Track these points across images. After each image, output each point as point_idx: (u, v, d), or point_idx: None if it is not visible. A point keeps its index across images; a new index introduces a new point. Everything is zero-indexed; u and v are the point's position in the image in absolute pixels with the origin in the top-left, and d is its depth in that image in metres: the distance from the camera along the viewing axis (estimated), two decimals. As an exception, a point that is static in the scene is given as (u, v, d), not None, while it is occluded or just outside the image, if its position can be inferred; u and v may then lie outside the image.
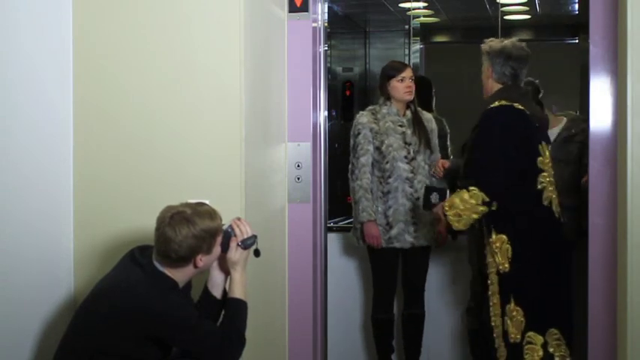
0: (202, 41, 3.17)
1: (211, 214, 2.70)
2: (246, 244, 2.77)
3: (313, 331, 3.65)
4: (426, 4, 6.45)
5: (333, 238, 4.34)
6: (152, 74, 3.21)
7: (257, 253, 2.84)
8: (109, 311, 2.62)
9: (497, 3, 6.07)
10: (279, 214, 3.57)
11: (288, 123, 3.62)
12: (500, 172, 3.34)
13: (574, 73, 5.49)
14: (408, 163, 4.05)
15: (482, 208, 3.28)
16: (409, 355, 4.29)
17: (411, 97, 4.11)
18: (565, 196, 3.65)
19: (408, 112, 4.14)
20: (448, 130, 4.60)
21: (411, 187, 4.05)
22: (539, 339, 3.32)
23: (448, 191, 3.54)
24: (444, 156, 4.37)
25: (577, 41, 6.41)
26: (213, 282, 2.86)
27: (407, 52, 6.81)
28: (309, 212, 3.62)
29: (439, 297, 4.45)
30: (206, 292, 2.86)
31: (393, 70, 4.13)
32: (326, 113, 3.76)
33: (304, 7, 3.58)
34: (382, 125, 4.07)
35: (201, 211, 2.69)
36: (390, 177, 4.04)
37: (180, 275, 2.71)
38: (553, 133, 4.04)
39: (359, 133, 4.08)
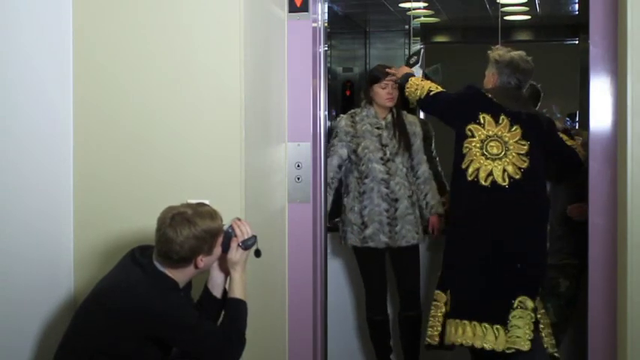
0: (202, 41, 3.17)
1: (212, 214, 2.71)
2: (246, 245, 2.78)
3: (313, 331, 3.65)
4: (426, 4, 6.45)
5: (333, 238, 4.34)
6: (152, 74, 3.21)
7: (258, 253, 2.84)
8: (109, 311, 2.62)
9: (497, 3, 6.07)
10: (279, 214, 3.57)
11: (288, 123, 3.62)
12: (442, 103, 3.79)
13: (574, 74, 5.50)
14: (383, 164, 4.12)
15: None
16: (408, 357, 4.29)
17: (391, 104, 4.16)
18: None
19: (389, 116, 4.19)
20: (433, 133, 4.61)
21: (387, 187, 4.11)
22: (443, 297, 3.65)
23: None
24: (429, 159, 4.42)
25: (577, 42, 6.41)
26: (213, 282, 2.86)
27: (407, 52, 6.81)
28: (309, 212, 3.62)
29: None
30: (206, 291, 2.86)
31: (376, 75, 4.18)
32: (326, 113, 3.76)
33: (304, 7, 3.58)
34: (359, 128, 4.15)
35: (202, 211, 2.69)
36: (366, 177, 4.11)
37: (180, 276, 2.71)
38: None
39: (335, 136, 4.17)
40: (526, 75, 3.76)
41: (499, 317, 3.48)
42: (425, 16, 6.64)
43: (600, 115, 3.30)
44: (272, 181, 3.52)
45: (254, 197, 3.23)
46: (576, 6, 6.43)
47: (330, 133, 4.13)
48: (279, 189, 3.58)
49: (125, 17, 3.24)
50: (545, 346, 3.55)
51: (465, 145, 3.61)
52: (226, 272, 2.83)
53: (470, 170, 3.58)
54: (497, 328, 3.47)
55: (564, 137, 3.75)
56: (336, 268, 4.49)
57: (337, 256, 4.53)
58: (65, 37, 3.23)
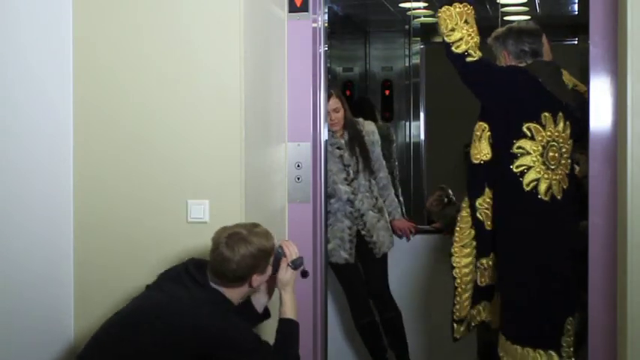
0: (202, 41, 3.17)
1: (266, 234, 2.77)
2: (295, 264, 2.86)
3: (313, 332, 3.65)
4: (426, 4, 6.44)
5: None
6: (152, 74, 3.21)
7: (305, 274, 2.96)
8: (167, 326, 2.60)
9: (497, 3, 6.07)
10: (279, 214, 3.58)
11: (288, 123, 3.62)
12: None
13: (574, 74, 5.49)
14: (348, 184, 4.20)
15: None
16: (398, 353, 4.37)
17: (337, 128, 4.22)
18: None
19: (346, 133, 4.25)
20: (394, 139, 4.74)
21: (351, 207, 4.22)
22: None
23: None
24: (388, 161, 4.50)
25: (577, 42, 6.40)
26: (257, 299, 2.93)
27: (407, 52, 6.81)
28: (309, 212, 3.62)
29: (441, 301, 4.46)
30: (249, 303, 2.92)
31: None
32: (326, 113, 3.75)
33: (304, 7, 3.58)
34: None
35: (257, 231, 2.75)
36: (331, 197, 4.18)
37: (234, 295, 2.75)
38: None
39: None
40: (534, 36, 3.44)
41: (552, 343, 3.30)
42: (425, 16, 6.64)
43: (600, 115, 3.30)
44: (272, 181, 3.52)
45: (254, 197, 3.23)
46: (576, 6, 6.42)
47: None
48: (279, 189, 3.58)
49: (125, 17, 3.24)
50: None
51: (519, 145, 3.24)
52: (270, 293, 2.91)
53: (527, 179, 3.23)
54: (550, 355, 3.29)
55: None
56: (336, 268, 4.49)
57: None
58: (65, 37, 3.23)
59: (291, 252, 2.87)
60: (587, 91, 3.32)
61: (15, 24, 2.95)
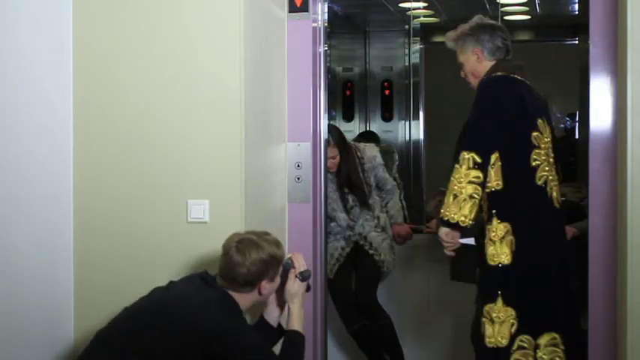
0: (202, 41, 3.17)
1: (277, 242, 2.81)
2: (303, 276, 2.88)
3: (313, 332, 3.64)
4: (426, 4, 6.45)
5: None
6: (152, 74, 3.21)
7: (308, 288, 2.96)
8: (176, 323, 2.61)
9: (497, 3, 6.07)
10: (279, 214, 3.57)
11: (288, 123, 3.62)
12: (490, 132, 3.09)
13: (574, 74, 5.50)
14: (347, 212, 4.33)
15: (474, 173, 3.02)
16: (392, 357, 4.42)
17: (334, 170, 4.30)
18: None
19: (341, 173, 4.34)
20: (396, 159, 4.79)
21: (351, 231, 4.35)
22: (532, 342, 3.10)
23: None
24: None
25: (577, 42, 6.41)
26: (269, 313, 2.94)
27: (407, 52, 6.81)
28: (309, 212, 3.62)
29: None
30: (262, 319, 2.93)
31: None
32: (326, 113, 3.75)
33: (304, 7, 3.58)
34: None
35: (268, 238, 2.79)
36: (332, 221, 4.30)
37: (243, 301, 2.76)
38: None
39: None
40: (506, 33, 3.32)
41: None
42: (425, 16, 6.64)
43: (600, 115, 3.30)
44: (272, 181, 3.52)
45: (254, 197, 3.23)
46: (576, 6, 6.42)
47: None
48: (279, 189, 3.58)
49: (125, 17, 3.24)
50: None
51: (534, 157, 3.13)
52: (282, 307, 2.91)
53: (548, 189, 3.15)
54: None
55: None
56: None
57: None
58: (65, 37, 3.23)
59: (300, 264, 2.90)
60: None
61: (15, 24, 2.95)
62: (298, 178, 3.61)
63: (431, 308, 4.62)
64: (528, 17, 6.61)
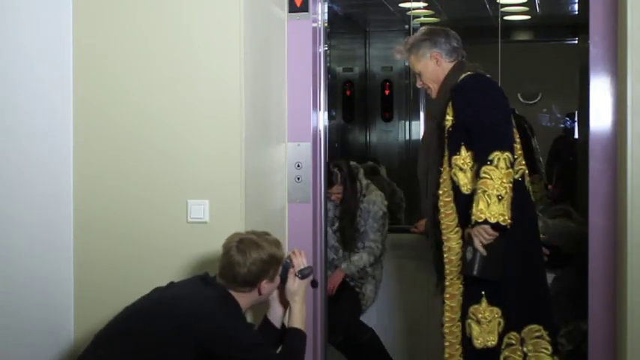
0: (202, 41, 3.17)
1: (276, 242, 2.82)
2: (303, 274, 2.88)
3: (313, 332, 3.64)
4: (426, 4, 6.45)
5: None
6: (152, 74, 3.21)
7: (314, 283, 3.01)
8: (174, 318, 2.62)
9: (497, 3, 6.07)
10: (279, 214, 3.57)
11: (288, 123, 3.62)
12: (510, 129, 3.07)
13: (574, 74, 5.50)
14: (333, 233, 4.32)
15: (511, 172, 2.98)
16: None
17: (337, 202, 4.30)
18: None
19: (340, 208, 4.33)
20: (403, 199, 4.66)
21: (335, 254, 4.33)
22: (518, 337, 3.14)
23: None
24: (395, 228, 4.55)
25: (577, 42, 6.41)
26: (273, 314, 2.94)
27: (407, 52, 6.80)
28: (309, 212, 3.62)
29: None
30: (266, 320, 2.94)
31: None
32: (326, 113, 3.75)
33: (304, 7, 3.58)
34: None
35: (268, 238, 2.80)
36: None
37: (243, 301, 2.76)
38: None
39: None
40: (455, 35, 3.33)
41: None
42: (425, 16, 6.64)
43: (600, 115, 3.30)
44: (272, 181, 3.52)
45: (254, 197, 3.23)
46: (576, 6, 6.43)
47: (330, 134, 4.16)
48: (279, 189, 3.58)
49: (125, 17, 3.24)
50: None
51: (517, 153, 3.14)
52: (285, 306, 2.91)
53: (526, 183, 3.20)
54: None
55: None
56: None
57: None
58: (65, 37, 3.23)
59: (299, 262, 2.90)
60: None
61: (15, 24, 2.95)
62: (298, 178, 3.61)
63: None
64: (528, 17, 6.61)
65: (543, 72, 6.51)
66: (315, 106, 3.63)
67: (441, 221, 3.17)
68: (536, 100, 6.70)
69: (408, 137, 6.87)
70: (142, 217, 3.23)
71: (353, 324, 4.30)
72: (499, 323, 3.10)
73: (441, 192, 3.17)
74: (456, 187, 3.12)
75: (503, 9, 6.20)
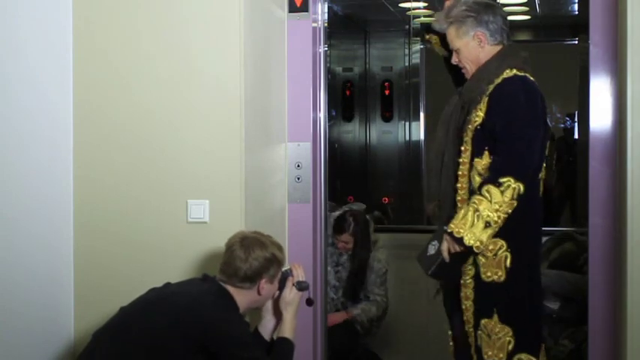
0: (202, 41, 3.17)
1: (280, 246, 2.85)
2: (301, 286, 2.91)
3: (313, 332, 3.64)
4: (426, 4, 6.44)
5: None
6: (152, 74, 3.21)
7: (309, 302, 3.01)
8: (170, 312, 2.64)
9: (497, 3, 6.07)
10: (279, 214, 3.57)
11: (288, 123, 3.62)
12: (535, 157, 2.84)
13: (574, 74, 5.50)
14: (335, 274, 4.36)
15: (514, 205, 2.77)
16: None
17: (343, 252, 4.35)
18: None
19: (348, 262, 4.36)
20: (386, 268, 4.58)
21: (335, 294, 4.35)
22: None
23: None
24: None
25: (577, 42, 6.41)
26: (264, 326, 2.95)
27: (407, 52, 6.81)
28: (309, 212, 3.62)
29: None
30: (256, 332, 2.94)
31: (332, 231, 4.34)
32: (326, 113, 3.75)
33: (304, 7, 3.58)
34: None
35: (272, 240, 2.84)
36: None
37: (241, 298, 2.77)
38: None
39: None
40: (503, 12, 3.03)
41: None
42: (425, 16, 6.63)
43: (600, 115, 3.30)
44: (272, 181, 3.52)
45: (254, 197, 3.23)
46: (576, 6, 6.43)
47: (330, 134, 4.17)
48: (279, 189, 3.58)
49: (125, 17, 3.24)
50: None
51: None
52: (278, 319, 2.92)
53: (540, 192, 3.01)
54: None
55: None
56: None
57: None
58: (65, 37, 3.23)
59: (299, 273, 2.93)
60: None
61: (15, 24, 2.94)
62: (298, 178, 3.61)
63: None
64: (528, 17, 6.61)
65: (543, 72, 6.50)
66: (315, 106, 3.63)
67: None
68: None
69: (407, 138, 6.87)
70: (142, 217, 3.23)
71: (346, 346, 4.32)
72: (509, 342, 2.95)
73: (459, 186, 2.97)
74: (472, 190, 2.91)
75: (503, 9, 6.19)
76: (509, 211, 2.78)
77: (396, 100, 6.86)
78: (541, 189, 3.02)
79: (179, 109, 3.19)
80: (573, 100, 5.94)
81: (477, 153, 2.92)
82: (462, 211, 2.82)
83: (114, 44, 3.25)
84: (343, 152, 6.88)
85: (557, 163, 6.15)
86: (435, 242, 2.96)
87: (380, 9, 6.50)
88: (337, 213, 4.40)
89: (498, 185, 2.77)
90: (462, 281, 3.01)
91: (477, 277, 2.96)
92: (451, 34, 3.04)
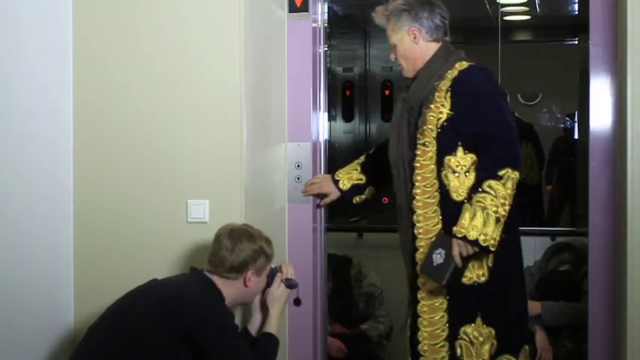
0: (202, 41, 3.17)
1: (268, 240, 2.85)
2: (289, 283, 2.93)
3: (313, 332, 3.64)
4: (425, 5, 6.43)
5: (333, 238, 4.33)
6: (152, 74, 3.21)
7: (298, 302, 3.04)
8: (155, 303, 2.65)
9: (497, 3, 6.07)
10: (279, 214, 3.57)
11: (288, 123, 3.62)
12: (518, 141, 2.81)
13: (574, 74, 5.50)
14: None
15: (514, 194, 2.74)
16: None
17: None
18: None
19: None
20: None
21: None
22: None
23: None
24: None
25: (577, 42, 6.41)
26: (253, 324, 2.96)
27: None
28: (309, 212, 3.62)
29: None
30: (245, 330, 2.95)
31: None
32: (326, 113, 3.75)
33: (304, 7, 3.57)
34: None
35: (261, 234, 2.85)
36: None
37: (227, 289, 2.77)
38: None
39: None
40: (443, 9, 2.96)
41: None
42: (425, 16, 6.62)
43: (600, 115, 3.30)
44: (272, 181, 3.52)
45: (254, 197, 3.23)
46: (576, 6, 6.42)
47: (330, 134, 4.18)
48: (279, 189, 3.58)
49: (125, 17, 3.24)
50: None
51: None
52: (266, 316, 2.92)
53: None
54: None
55: None
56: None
57: (337, 256, 4.54)
58: (65, 37, 3.23)
59: (289, 271, 2.94)
60: None
61: (15, 24, 2.94)
62: (298, 178, 3.60)
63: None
64: (528, 17, 6.61)
65: (543, 72, 6.50)
66: (315, 106, 3.63)
67: (418, 224, 2.91)
68: (536, 101, 6.70)
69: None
70: (142, 217, 3.23)
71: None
72: (492, 344, 2.91)
73: (418, 191, 2.90)
74: (444, 191, 2.86)
75: (503, 9, 6.19)
76: (511, 202, 2.75)
77: (396, 100, 6.85)
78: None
79: (179, 109, 3.19)
80: (573, 100, 5.94)
81: (446, 151, 2.86)
82: (468, 213, 2.74)
83: (114, 44, 3.25)
84: (343, 152, 6.87)
85: (558, 163, 6.15)
86: (440, 250, 2.81)
87: (380, 9, 6.49)
88: None
89: (499, 179, 2.73)
90: (422, 294, 2.92)
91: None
92: (388, 29, 3.03)
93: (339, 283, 4.40)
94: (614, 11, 3.19)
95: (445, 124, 2.86)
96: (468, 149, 2.84)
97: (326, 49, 3.72)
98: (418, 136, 2.91)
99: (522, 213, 5.18)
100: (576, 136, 6.29)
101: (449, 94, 2.87)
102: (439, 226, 2.89)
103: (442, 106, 2.87)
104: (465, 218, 2.75)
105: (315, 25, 3.61)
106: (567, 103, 6.44)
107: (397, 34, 2.99)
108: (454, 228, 2.77)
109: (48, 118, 3.14)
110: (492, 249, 2.74)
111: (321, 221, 3.70)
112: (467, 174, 2.85)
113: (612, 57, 3.23)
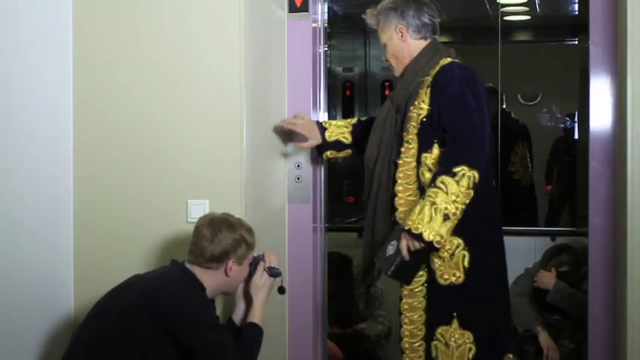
0: (202, 41, 3.17)
1: (250, 229, 2.82)
2: (272, 272, 2.89)
3: (313, 332, 3.64)
4: (425, 5, 6.43)
5: (333, 238, 4.33)
6: (152, 74, 3.21)
7: (282, 290, 3.01)
8: (136, 298, 2.65)
9: (497, 3, 6.07)
10: (279, 214, 3.57)
11: (288, 123, 3.61)
12: (486, 138, 2.77)
13: (574, 74, 5.49)
14: None
15: (471, 194, 2.67)
16: None
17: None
18: None
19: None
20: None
21: None
22: None
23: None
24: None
25: (577, 42, 6.41)
26: (237, 314, 2.94)
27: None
28: (309, 212, 3.62)
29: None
30: (230, 321, 2.94)
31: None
32: (326, 113, 3.75)
33: (304, 7, 3.58)
34: None
35: (242, 222, 2.82)
36: None
37: (208, 280, 2.75)
38: None
39: None
40: (434, 10, 2.99)
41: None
42: (425, 16, 6.62)
43: (600, 115, 3.30)
44: (272, 181, 3.52)
45: (254, 197, 3.23)
46: (576, 6, 6.42)
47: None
48: (279, 189, 3.58)
49: (125, 17, 3.24)
50: None
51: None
52: (249, 304, 2.91)
53: (493, 182, 2.99)
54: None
55: None
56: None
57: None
58: (65, 37, 3.23)
59: (271, 260, 2.91)
60: None
61: (15, 24, 2.95)
62: (298, 178, 3.60)
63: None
64: (528, 17, 6.61)
65: (543, 72, 6.50)
66: (315, 106, 3.63)
67: (400, 222, 2.88)
68: (536, 101, 6.70)
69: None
70: (142, 217, 3.23)
71: None
72: (470, 349, 2.85)
73: (400, 188, 2.89)
74: (422, 188, 2.83)
75: (503, 9, 6.19)
76: (467, 201, 2.69)
77: (396, 100, 6.85)
78: (493, 182, 2.99)
79: (179, 109, 3.19)
80: (573, 100, 5.94)
81: (424, 148, 2.85)
82: (418, 207, 2.71)
83: (114, 44, 3.25)
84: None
85: (558, 164, 6.15)
86: (394, 242, 2.82)
87: (380, 9, 6.49)
88: None
89: (453, 175, 2.68)
90: (405, 292, 2.91)
91: (430, 282, 2.87)
92: (378, 29, 3.06)
93: (339, 282, 4.39)
94: (614, 11, 3.19)
95: (424, 119, 2.87)
96: (443, 146, 2.82)
97: (326, 49, 3.72)
98: (404, 133, 2.93)
99: (514, 213, 5.20)
100: (576, 136, 6.29)
101: (429, 89, 2.88)
102: None
103: (423, 102, 2.89)
104: (415, 212, 2.73)
105: (315, 25, 3.61)
106: (567, 103, 6.43)
107: (386, 33, 3.02)
108: (405, 221, 2.76)
109: (48, 118, 3.14)
110: (438, 246, 2.70)
111: (321, 221, 3.70)
112: None
113: (612, 57, 3.23)
